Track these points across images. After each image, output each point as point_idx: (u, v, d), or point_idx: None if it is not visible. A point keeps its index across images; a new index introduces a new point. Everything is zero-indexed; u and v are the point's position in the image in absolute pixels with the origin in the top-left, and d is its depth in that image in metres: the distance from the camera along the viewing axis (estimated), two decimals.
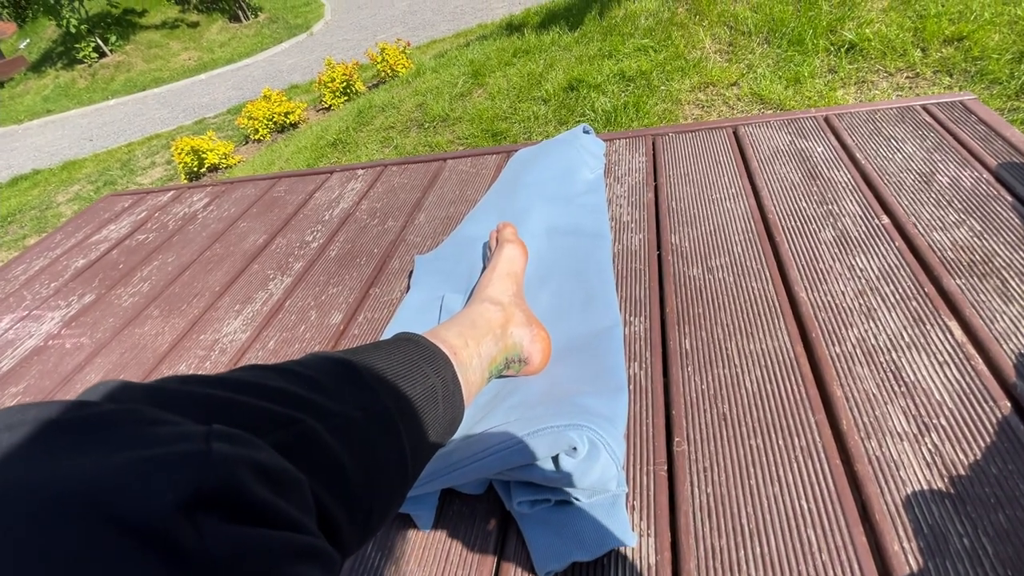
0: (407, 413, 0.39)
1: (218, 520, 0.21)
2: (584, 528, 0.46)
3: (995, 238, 0.66)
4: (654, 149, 1.02)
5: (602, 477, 0.47)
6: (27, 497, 0.19)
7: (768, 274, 0.69)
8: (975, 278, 0.62)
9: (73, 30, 8.12)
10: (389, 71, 4.15)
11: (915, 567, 0.41)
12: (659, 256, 0.77)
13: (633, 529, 0.47)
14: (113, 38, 8.84)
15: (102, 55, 8.71)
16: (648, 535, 0.47)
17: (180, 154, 3.47)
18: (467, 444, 0.50)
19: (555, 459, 0.47)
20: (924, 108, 0.94)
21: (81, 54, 8.52)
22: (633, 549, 0.46)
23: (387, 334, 0.75)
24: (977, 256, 0.64)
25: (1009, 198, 0.71)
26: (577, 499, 0.48)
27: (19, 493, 0.19)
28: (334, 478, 0.31)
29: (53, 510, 0.19)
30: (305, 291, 0.93)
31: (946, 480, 0.45)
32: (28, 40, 10.24)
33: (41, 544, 0.18)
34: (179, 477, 0.21)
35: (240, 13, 9.43)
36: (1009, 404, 0.49)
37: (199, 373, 0.30)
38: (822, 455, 0.49)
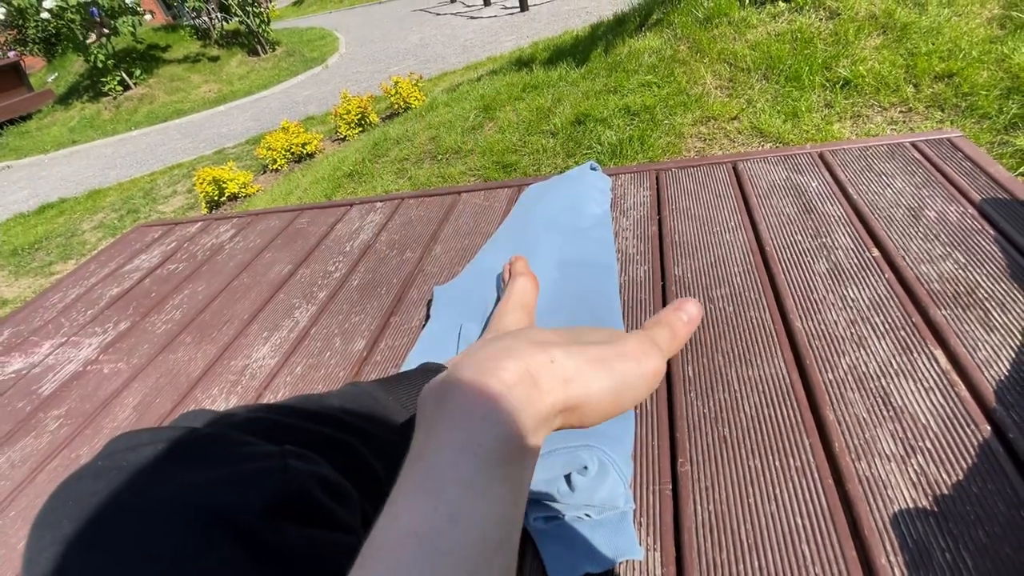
0: None
1: (294, 523, 0.27)
2: (595, 542, 0.50)
3: (978, 270, 0.70)
4: (658, 184, 1.08)
5: (611, 495, 0.51)
6: (153, 502, 0.24)
7: (765, 304, 0.74)
8: (959, 308, 0.66)
9: (100, 65, 8.50)
10: (402, 103, 4.31)
11: None
12: (663, 287, 0.82)
13: (640, 544, 0.51)
14: (137, 72, 9.22)
15: (126, 88, 9.08)
16: (654, 549, 0.51)
17: (201, 184, 3.61)
18: None
19: (567, 478, 0.51)
20: (913, 145, 0.99)
21: (107, 87, 8.89)
22: (640, 562, 0.50)
23: (409, 361, 0.80)
24: (962, 288, 0.69)
25: (992, 232, 0.76)
26: (588, 515, 0.52)
27: (148, 500, 0.24)
28: (376, 491, 0.36)
29: (171, 513, 0.24)
30: (329, 319, 0.99)
31: (930, 499, 0.49)
32: (56, 74, 10.71)
33: (162, 540, 0.23)
34: (264, 488, 0.27)
35: (259, 47, 9.82)
36: (989, 428, 0.53)
37: (264, 403, 0.35)
38: (816, 475, 0.53)
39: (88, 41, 8.35)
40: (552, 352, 0.22)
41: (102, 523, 0.24)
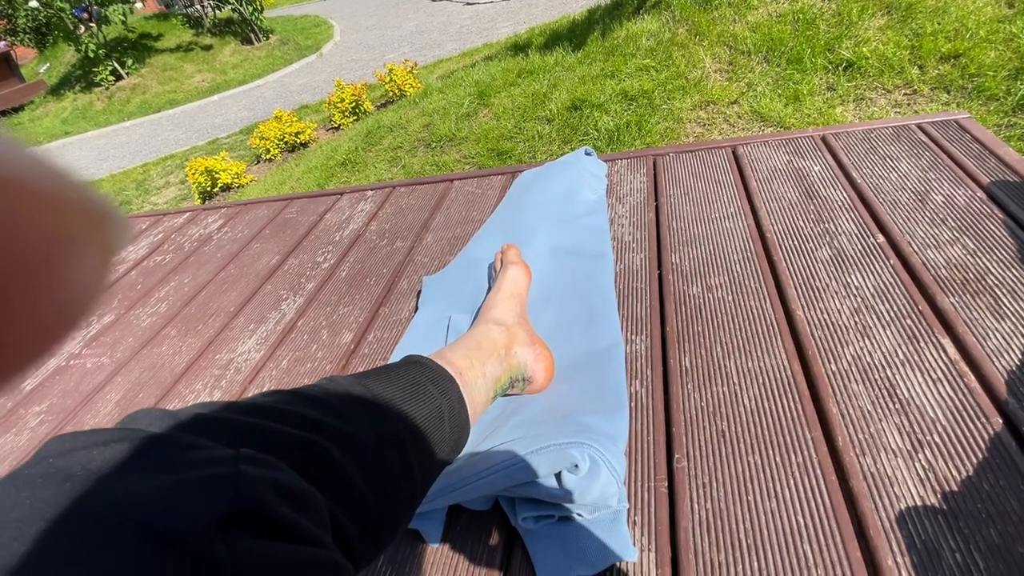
0: (415, 434, 0.41)
1: (247, 536, 0.24)
2: (586, 543, 0.48)
3: (988, 256, 0.68)
4: (655, 169, 1.05)
5: (603, 493, 0.49)
6: (84, 516, 0.21)
7: (766, 293, 0.71)
8: (968, 296, 0.63)
9: (91, 54, 8.39)
10: (397, 91, 4.24)
11: None
12: (660, 275, 0.80)
13: (634, 544, 0.49)
14: (130, 61, 9.10)
15: (119, 78, 8.96)
16: (649, 550, 0.48)
17: (194, 174, 3.56)
18: (473, 462, 0.52)
19: (558, 476, 0.49)
20: (919, 127, 0.96)
21: (99, 77, 8.78)
22: (634, 564, 0.48)
23: (397, 353, 0.77)
24: (970, 274, 0.66)
25: (1002, 216, 0.73)
26: (580, 515, 0.50)
27: (78, 513, 0.22)
28: (348, 496, 0.33)
29: (100, 527, 0.21)
30: (317, 311, 0.96)
31: (939, 496, 0.46)
32: (48, 64, 10.56)
33: (87, 557, 0.20)
34: (212, 497, 0.24)
35: (252, 36, 9.68)
36: (1001, 421, 0.50)
37: (223, 400, 0.32)
38: (818, 471, 0.50)
39: (79, 31, 8.24)
40: None
41: (23, 540, 0.21)
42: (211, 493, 0.24)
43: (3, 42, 10.18)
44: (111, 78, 8.85)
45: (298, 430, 0.32)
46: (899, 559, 0.43)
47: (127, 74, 9.02)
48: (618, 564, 0.48)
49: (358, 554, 0.33)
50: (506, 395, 0.62)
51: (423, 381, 0.46)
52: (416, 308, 0.87)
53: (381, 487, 0.36)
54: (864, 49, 1.50)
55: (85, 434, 0.25)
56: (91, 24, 8.54)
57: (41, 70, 10.53)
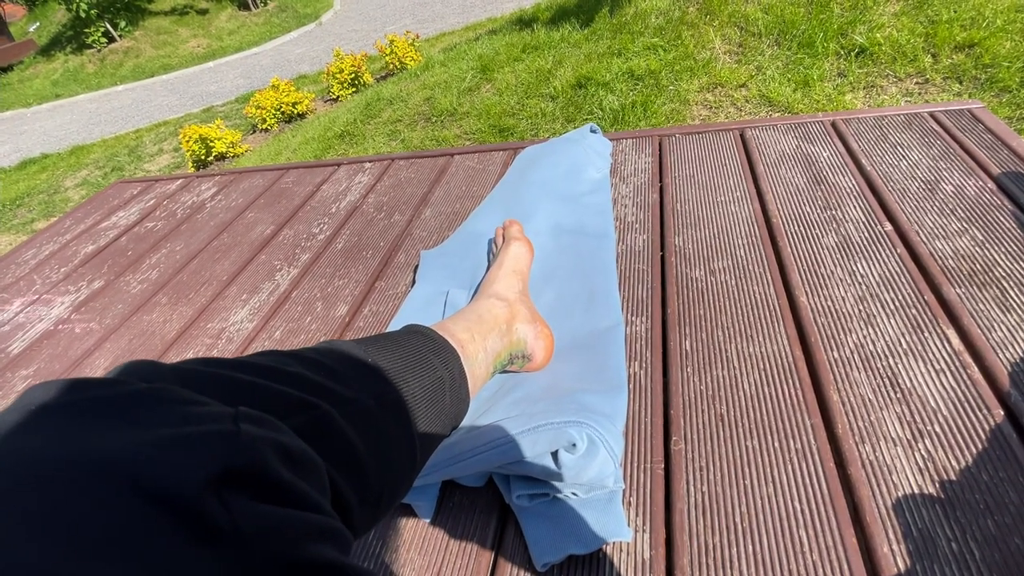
0: (416, 403, 0.40)
1: (245, 497, 0.22)
2: (581, 522, 0.48)
3: (996, 248, 0.67)
4: (660, 150, 1.03)
5: (600, 473, 0.48)
6: (62, 470, 0.20)
7: (769, 278, 0.70)
8: (975, 287, 0.62)
9: (83, 15, 8.13)
10: (398, 63, 4.14)
11: (903, 569, 0.42)
12: (662, 257, 0.78)
13: (629, 525, 0.48)
14: (123, 23, 8.83)
15: (111, 40, 8.71)
16: (644, 531, 0.48)
17: (188, 142, 3.48)
18: (470, 437, 0.51)
19: (554, 455, 0.48)
20: (931, 115, 0.94)
21: (90, 39, 8.53)
22: (628, 544, 0.47)
23: (392, 326, 0.76)
24: (978, 265, 0.65)
25: (1011, 208, 0.72)
26: (575, 494, 0.49)
27: (54, 466, 0.20)
28: (348, 463, 0.32)
29: (85, 482, 0.20)
30: (311, 283, 0.94)
31: (937, 485, 0.46)
32: (38, 23, 10.25)
33: (73, 514, 0.19)
34: (209, 455, 0.22)
35: (250, 1, 9.42)
36: (1003, 412, 0.50)
37: (220, 357, 0.30)
38: (816, 458, 0.50)
39: None
40: None
41: (6, 498, 0.19)
42: (209, 450, 0.22)
43: None
44: (103, 40, 8.61)
45: (298, 391, 0.31)
46: (895, 547, 0.43)
47: (120, 36, 8.77)
48: (612, 544, 0.47)
49: (355, 522, 0.32)
50: (505, 372, 0.61)
51: (425, 351, 0.44)
52: (413, 282, 0.85)
53: (381, 455, 0.35)
54: (878, 35, 1.47)
55: (72, 382, 0.24)
56: None
57: (31, 29, 10.22)
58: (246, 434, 0.24)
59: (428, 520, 0.53)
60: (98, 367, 0.88)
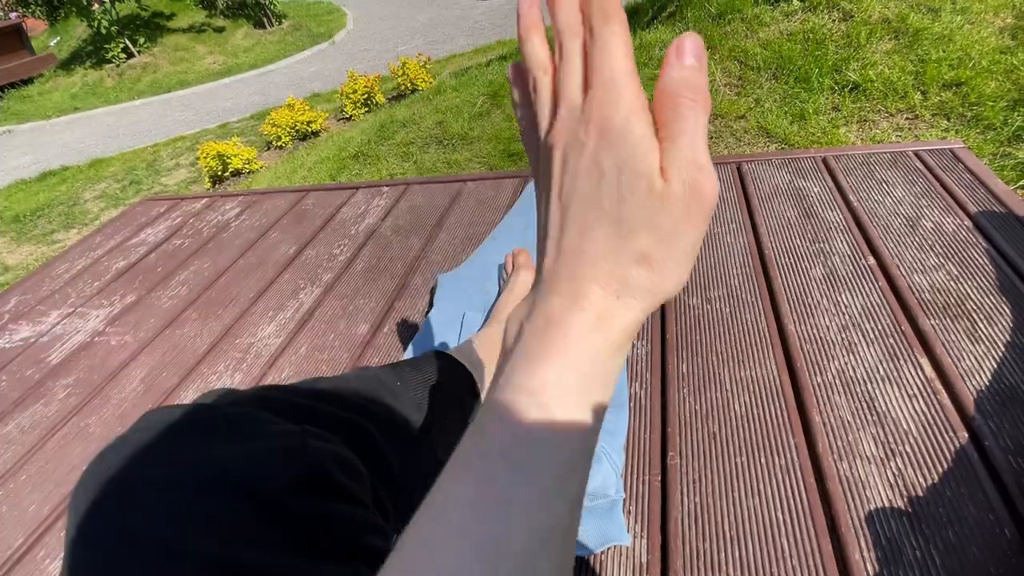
0: (439, 421, 0.46)
1: (313, 495, 0.29)
2: (585, 528, 0.53)
3: (969, 283, 0.72)
4: None
5: (603, 483, 0.54)
6: (186, 472, 0.26)
7: (761, 307, 0.76)
8: (948, 319, 0.68)
9: (104, 31, 8.38)
10: (409, 85, 4.27)
11: (872, 574, 0.47)
12: None
13: (628, 531, 0.54)
14: (141, 40, 9.09)
15: (130, 56, 8.95)
16: (641, 537, 0.53)
17: (206, 158, 3.59)
18: None
19: None
20: (916, 154, 1.01)
21: (110, 54, 8.77)
22: (628, 548, 0.53)
23: (413, 347, 0.82)
24: (952, 299, 0.71)
25: (985, 245, 0.78)
26: None
27: (181, 469, 0.27)
28: (386, 474, 0.38)
29: (198, 481, 0.26)
30: (333, 301, 1.01)
31: (906, 499, 0.51)
32: (59, 38, 10.55)
33: (196, 506, 0.26)
34: (286, 463, 0.29)
35: (265, 20, 9.68)
36: (967, 435, 0.55)
37: (280, 384, 0.38)
38: (799, 473, 0.55)
39: (92, 6, 8.23)
40: (609, 284, 0.19)
41: (140, 487, 0.26)
42: (286, 459, 0.29)
43: (15, 13, 10.16)
44: (122, 55, 8.85)
45: (347, 413, 0.37)
46: (865, 554, 0.48)
47: (139, 52, 9.01)
48: (613, 548, 0.53)
49: (392, 525, 0.38)
50: None
51: (448, 377, 0.51)
52: (431, 303, 0.91)
53: (412, 468, 0.41)
54: (870, 72, 1.54)
55: (180, 408, 0.30)
56: (104, 0, 8.53)
57: (51, 43, 10.51)
58: (312, 447, 0.31)
59: None
60: (135, 378, 0.94)
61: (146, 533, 0.25)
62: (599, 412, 0.19)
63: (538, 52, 0.21)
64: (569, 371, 0.19)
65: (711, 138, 1.69)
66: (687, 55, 0.18)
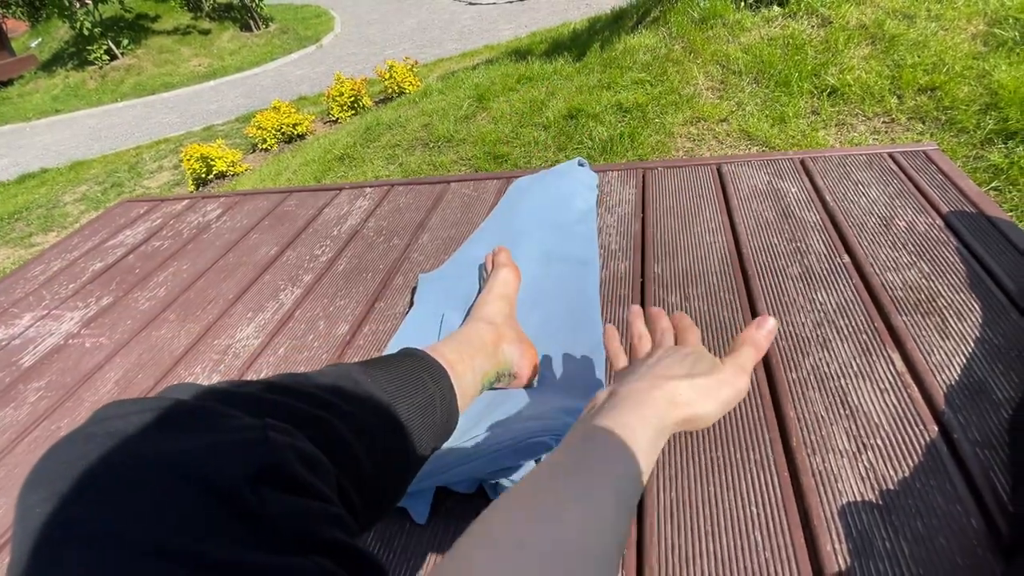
0: (411, 416, 0.46)
1: (274, 490, 0.28)
2: None
3: (940, 280, 0.74)
4: (644, 182, 1.10)
5: None
6: (143, 465, 0.26)
7: (738, 304, 0.77)
8: (919, 315, 0.69)
9: (86, 32, 8.27)
10: (396, 88, 4.27)
11: (843, 565, 0.47)
12: (642, 283, 0.85)
13: None
14: (125, 41, 8.99)
15: (113, 58, 8.84)
16: None
17: (189, 160, 3.55)
18: (460, 447, 0.56)
19: (538, 462, 0.53)
20: (890, 156, 1.03)
21: (92, 56, 8.66)
22: None
23: (392, 346, 0.81)
24: (923, 296, 0.72)
25: (956, 243, 0.79)
26: None
27: (138, 462, 0.26)
28: (352, 468, 0.37)
29: (155, 475, 0.26)
30: (314, 302, 1.00)
31: (877, 492, 0.52)
32: (40, 39, 10.38)
33: (153, 499, 0.25)
34: (246, 457, 0.28)
35: (251, 22, 9.62)
36: (936, 428, 0.56)
37: (246, 379, 0.37)
38: (773, 468, 0.56)
39: (74, 7, 8.12)
40: (678, 385, 0.40)
41: (95, 482, 0.25)
42: (246, 453, 0.28)
43: None
44: (105, 57, 8.74)
45: (312, 408, 0.37)
46: (836, 545, 0.49)
47: (122, 54, 8.90)
48: None
49: (359, 521, 0.38)
50: (493, 388, 0.67)
51: (419, 371, 0.50)
52: (411, 304, 0.91)
53: (380, 462, 0.41)
54: (848, 76, 1.57)
55: (136, 401, 0.30)
56: (87, 1, 8.42)
57: (32, 44, 10.35)
58: (273, 440, 0.30)
59: (422, 523, 0.58)
60: (109, 380, 0.92)
61: (101, 528, 0.24)
62: (651, 462, 0.36)
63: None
64: (650, 423, 0.38)
65: (694, 141, 1.71)
66: (765, 328, 0.47)
